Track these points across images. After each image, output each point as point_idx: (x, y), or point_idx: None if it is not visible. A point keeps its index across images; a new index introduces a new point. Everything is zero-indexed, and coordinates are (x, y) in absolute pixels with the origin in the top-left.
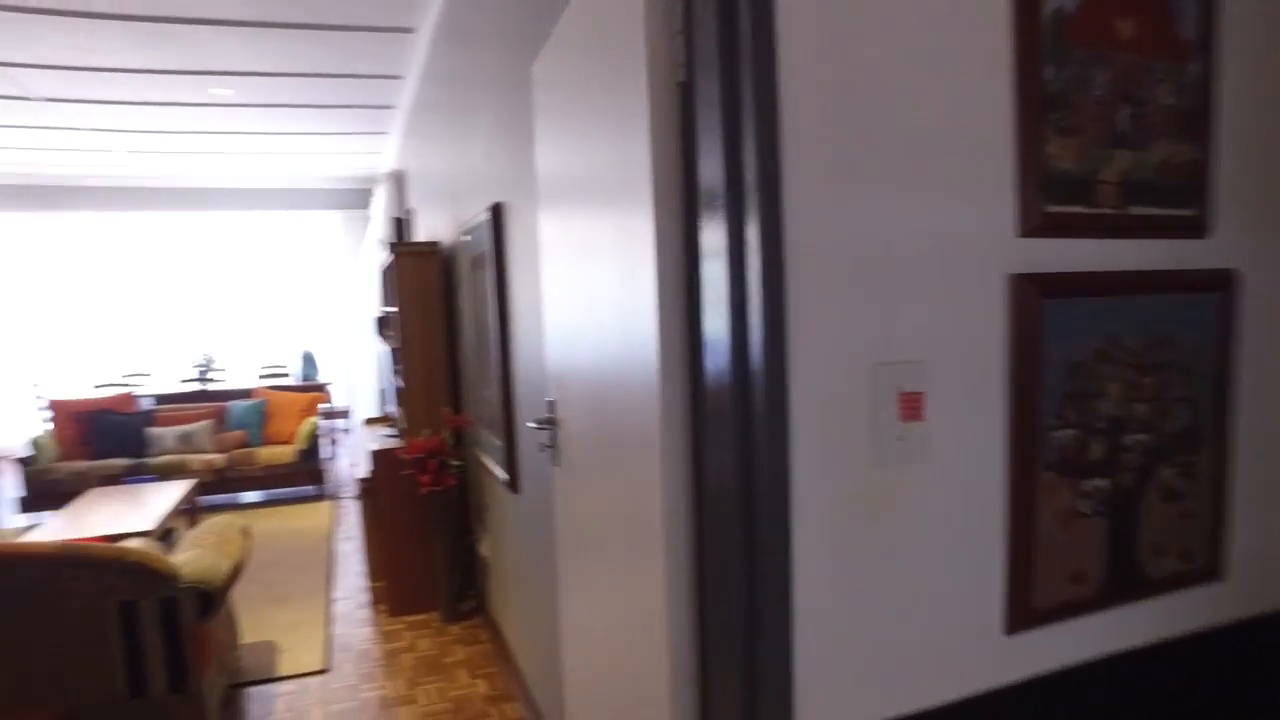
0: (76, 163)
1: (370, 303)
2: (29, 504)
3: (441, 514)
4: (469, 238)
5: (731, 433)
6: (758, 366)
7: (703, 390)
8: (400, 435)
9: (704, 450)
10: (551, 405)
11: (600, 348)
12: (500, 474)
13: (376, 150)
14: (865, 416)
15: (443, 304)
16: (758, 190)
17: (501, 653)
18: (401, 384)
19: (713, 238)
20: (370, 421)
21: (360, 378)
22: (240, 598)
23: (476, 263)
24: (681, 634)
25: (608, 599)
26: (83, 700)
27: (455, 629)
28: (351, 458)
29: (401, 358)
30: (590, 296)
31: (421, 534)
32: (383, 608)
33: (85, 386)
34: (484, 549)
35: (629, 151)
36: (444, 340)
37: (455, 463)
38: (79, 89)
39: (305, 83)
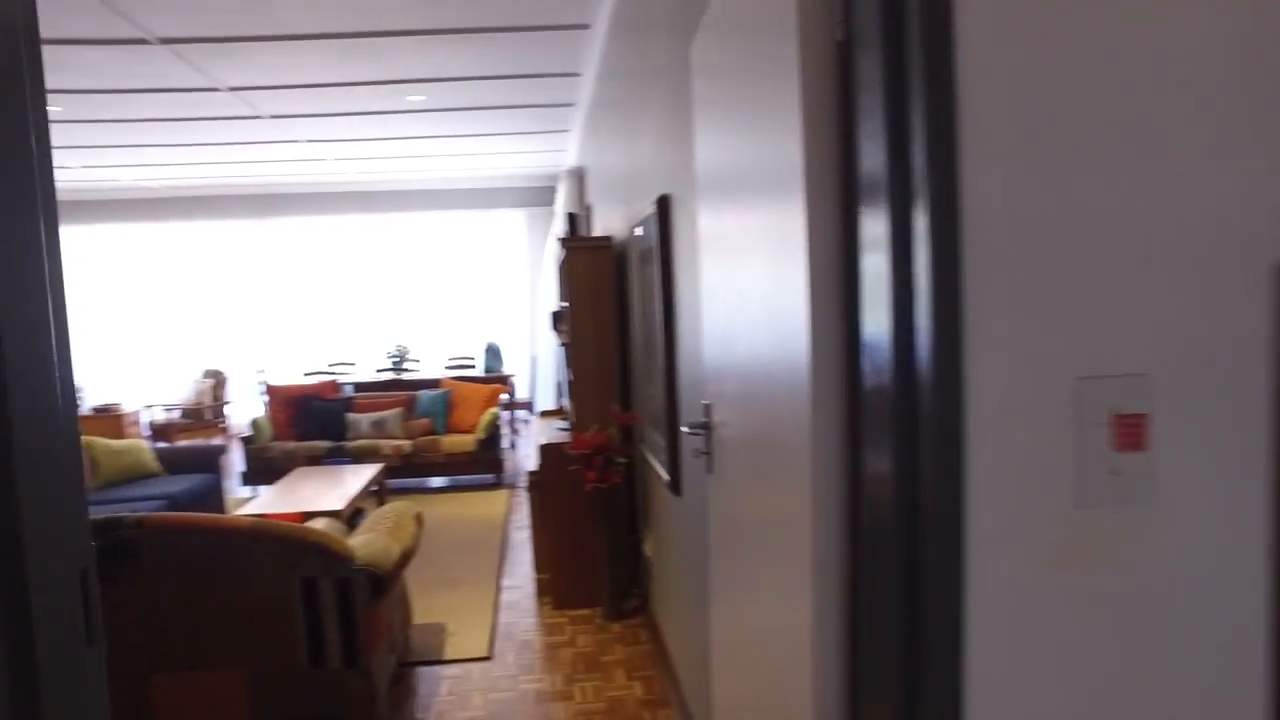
0: (294, 171)
1: (549, 297)
2: (248, 478)
3: (607, 511)
4: (640, 231)
5: (893, 449)
6: (925, 374)
7: (861, 398)
8: (570, 429)
9: (862, 464)
10: (707, 409)
11: (752, 348)
12: (663, 474)
13: (559, 148)
14: (1066, 443)
15: (614, 299)
16: (927, 167)
17: (660, 655)
18: (572, 378)
19: (874, 225)
20: (546, 414)
21: (542, 371)
22: (416, 579)
23: (645, 257)
24: (830, 662)
25: (756, 614)
26: (269, 665)
27: (616, 627)
28: (529, 449)
29: (572, 352)
30: (741, 291)
31: (587, 529)
32: (547, 600)
33: (298, 374)
34: (648, 548)
35: (778, 122)
36: (614, 335)
37: (622, 460)
38: (296, 105)
39: (490, 85)
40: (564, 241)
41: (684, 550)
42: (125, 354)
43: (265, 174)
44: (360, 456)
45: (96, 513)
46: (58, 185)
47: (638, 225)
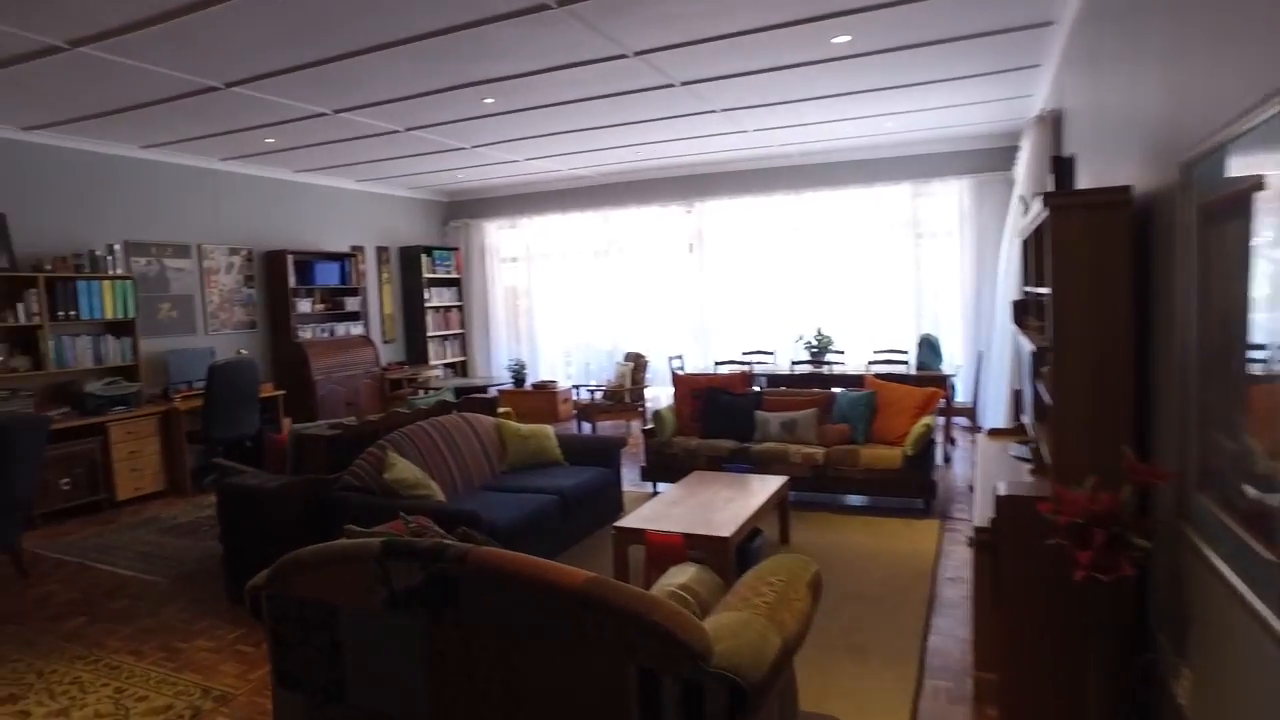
0: (711, 149)
1: (1009, 283)
2: (648, 473)
3: (1106, 614)
4: (1217, 163)
5: None
6: None
7: None
8: (1034, 463)
9: None
10: None
11: None
12: (1264, 610)
13: (1022, 91)
14: None
15: (1130, 284)
16: None
17: None
18: (1048, 398)
19: None
20: (998, 433)
21: (992, 373)
22: (811, 639)
23: (1216, 211)
24: None
25: None
26: None
27: None
28: (970, 474)
29: (1051, 360)
30: None
31: (1067, 632)
32: (992, 715)
33: (710, 362)
34: (1181, 690)
35: None
36: (1128, 340)
37: (1140, 542)
38: (708, 65)
39: (936, 9)
40: (1050, 198)
41: None
42: (566, 336)
43: (683, 152)
44: (765, 462)
45: (492, 500)
46: (504, 179)
47: (1198, 159)
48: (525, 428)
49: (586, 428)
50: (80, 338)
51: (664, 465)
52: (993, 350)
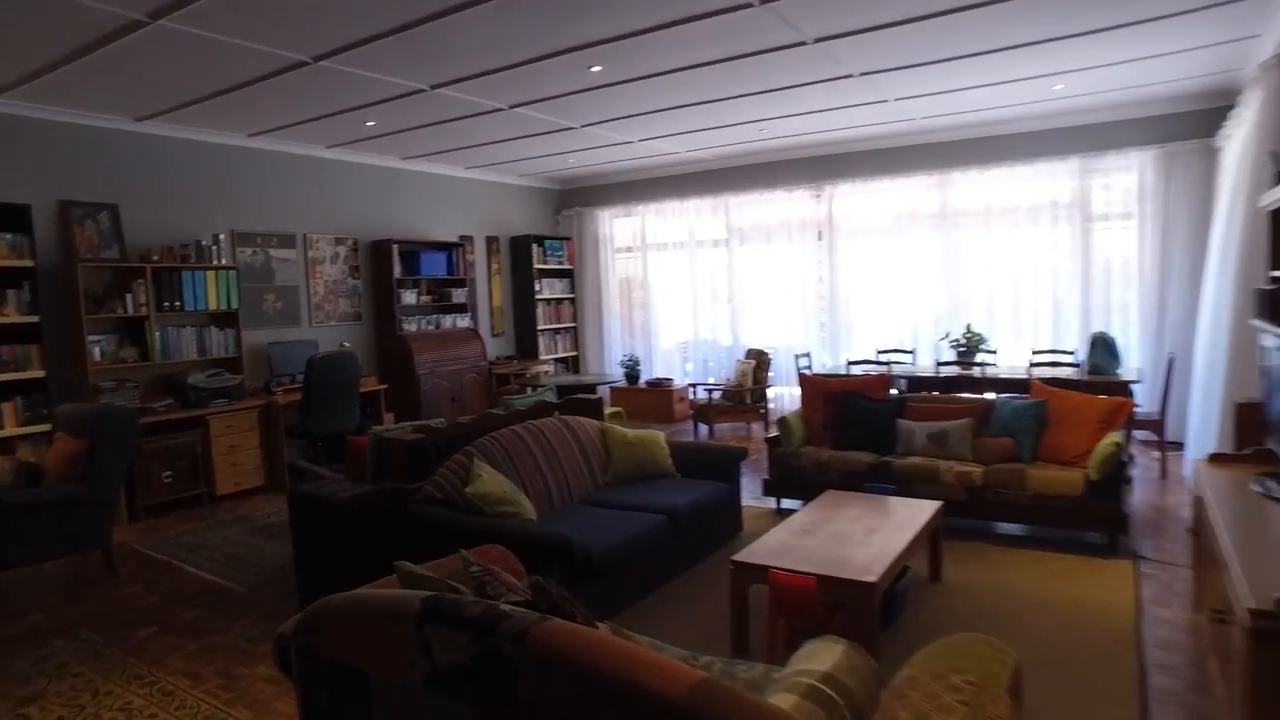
0: (849, 122)
1: (1230, 269)
2: (770, 486)
3: None
4: None
5: None
6: None
7: None
8: None
9: None
10: None
11: None
12: None
13: (1244, 32)
14: None
15: None
16: None
17: None
18: None
19: None
20: (1222, 460)
21: (1197, 381)
22: None
23: None
24: None
25: None
26: None
27: None
28: (1165, 500)
29: None
30: None
31: None
32: None
33: (839, 363)
34: None
35: None
36: None
37: None
38: (851, 17)
39: None
40: None
41: None
42: (683, 332)
43: (813, 129)
44: (910, 480)
45: (591, 519)
46: (617, 163)
47: None
48: (633, 433)
49: (704, 429)
50: (185, 329)
51: (790, 479)
52: (1198, 352)
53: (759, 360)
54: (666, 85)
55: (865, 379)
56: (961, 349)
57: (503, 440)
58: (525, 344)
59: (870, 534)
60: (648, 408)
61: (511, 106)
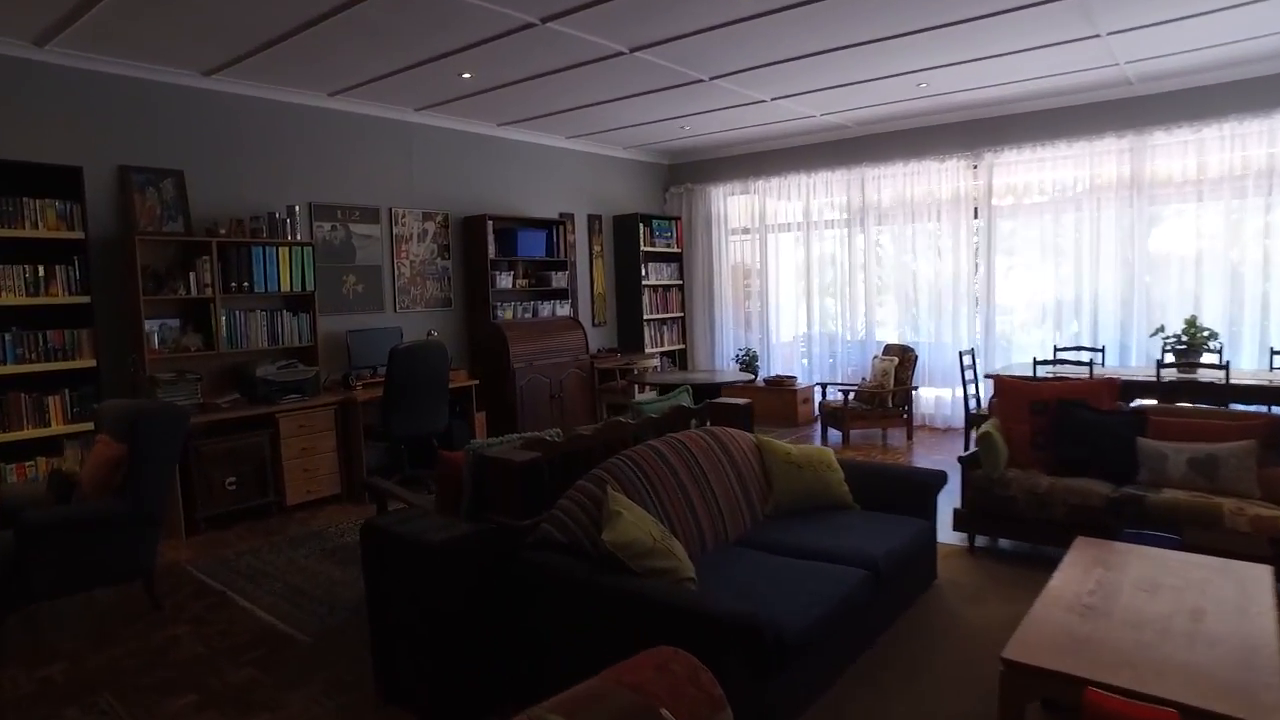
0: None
1: None
2: (963, 520)
3: None
4: None
5: None
6: None
7: None
8: None
9: None
10: None
11: None
12: None
13: None
14: None
15: None
16: None
17: None
18: None
19: None
20: None
21: None
22: None
23: None
24: None
25: None
26: None
27: None
28: None
29: None
30: None
31: None
32: None
33: (1007, 361)
34: None
35: None
36: None
37: None
38: None
39: None
40: None
41: None
42: (806, 323)
43: (977, 83)
44: (1172, 524)
45: (760, 570)
46: (739, 131)
47: None
48: (796, 450)
49: (834, 435)
50: (254, 313)
51: (992, 512)
52: None
53: (902, 357)
54: (828, 11)
55: (1084, 383)
56: (1181, 348)
57: (641, 461)
58: (628, 336)
59: (1198, 619)
60: (767, 410)
61: (633, 50)
